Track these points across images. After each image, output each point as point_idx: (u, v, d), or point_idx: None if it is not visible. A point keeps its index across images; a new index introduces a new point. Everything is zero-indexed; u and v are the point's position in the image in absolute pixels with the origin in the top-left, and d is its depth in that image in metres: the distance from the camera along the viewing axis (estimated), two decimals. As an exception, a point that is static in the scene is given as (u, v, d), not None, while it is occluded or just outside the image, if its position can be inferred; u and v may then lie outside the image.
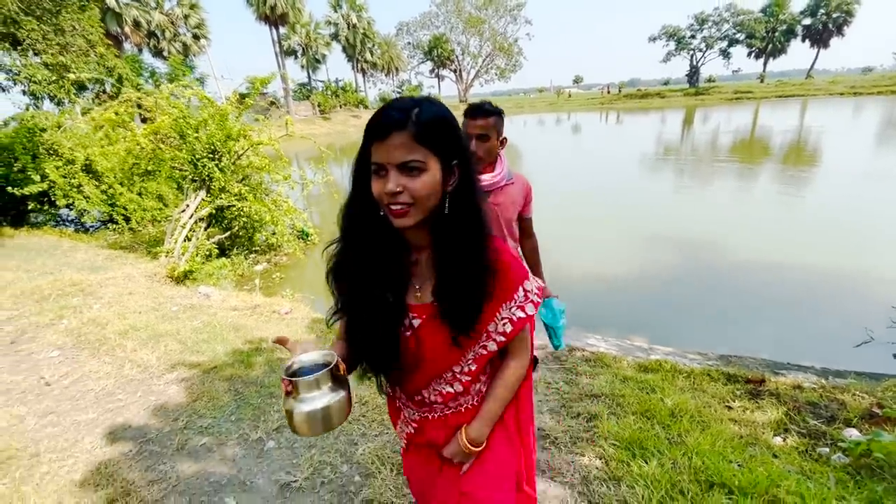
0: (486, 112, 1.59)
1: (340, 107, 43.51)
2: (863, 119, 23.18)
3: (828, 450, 2.01)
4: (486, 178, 1.63)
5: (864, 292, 4.69)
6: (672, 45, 51.13)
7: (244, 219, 6.53)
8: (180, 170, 6.39)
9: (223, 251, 6.59)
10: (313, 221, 8.44)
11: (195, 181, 6.15)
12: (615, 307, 4.65)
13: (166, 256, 5.47)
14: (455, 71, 54.11)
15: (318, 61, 42.87)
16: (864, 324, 3.96)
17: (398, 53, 49.08)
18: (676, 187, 10.77)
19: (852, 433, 2.07)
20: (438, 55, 51.11)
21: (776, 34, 48.08)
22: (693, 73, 52.44)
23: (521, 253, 1.87)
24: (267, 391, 2.65)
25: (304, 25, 39.02)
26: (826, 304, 4.58)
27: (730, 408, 2.42)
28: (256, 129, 6.61)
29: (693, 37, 50.13)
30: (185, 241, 5.74)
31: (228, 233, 6.71)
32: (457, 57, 52.70)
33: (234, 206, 6.22)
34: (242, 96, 6.92)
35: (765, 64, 51.36)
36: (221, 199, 6.07)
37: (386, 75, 50.12)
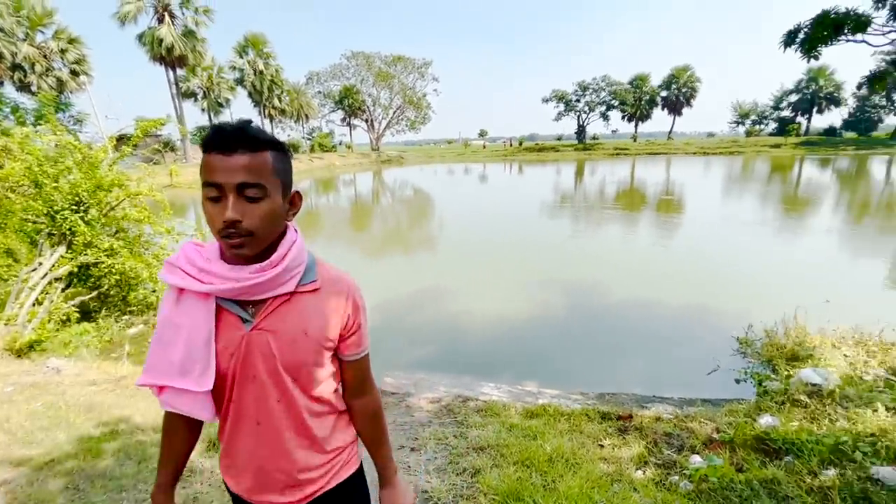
0: (253, 140, 0.79)
1: (246, 152, 41.71)
2: (711, 174, 27.90)
3: (677, 478, 2.24)
4: (249, 274, 0.82)
5: (715, 324, 5.46)
6: (562, 106, 57.82)
7: (117, 276, 5.80)
8: (34, 222, 5.57)
9: (88, 314, 5.75)
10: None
11: (52, 235, 5.38)
12: (510, 352, 4.86)
13: (6, 325, 4.61)
14: (367, 121, 55.26)
15: (221, 105, 41.13)
16: (714, 353, 4.60)
17: (308, 101, 49.02)
18: (573, 232, 11.83)
19: (696, 460, 2.34)
20: (349, 105, 52.00)
21: (642, 102, 56.87)
22: (580, 132, 59.52)
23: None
24: (116, 484, 2.28)
25: (207, 69, 37.56)
26: (686, 337, 5.24)
27: (602, 446, 2.61)
28: (136, 177, 6.06)
29: (578, 100, 57.30)
30: (34, 304, 4.92)
31: (96, 292, 5.90)
32: (368, 107, 54.04)
33: (103, 262, 5.52)
34: (123, 139, 6.35)
35: (636, 126, 60.12)
36: (87, 255, 5.36)
37: (295, 122, 49.54)
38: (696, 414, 2.95)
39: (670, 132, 62.52)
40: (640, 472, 2.34)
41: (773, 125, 57.93)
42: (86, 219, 5.40)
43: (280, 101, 44.77)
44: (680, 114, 58.54)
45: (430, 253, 10.20)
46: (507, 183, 28.32)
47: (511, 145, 62.78)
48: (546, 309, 6.10)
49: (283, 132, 52.79)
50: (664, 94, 57.56)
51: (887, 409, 2.65)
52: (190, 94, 39.04)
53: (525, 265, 8.42)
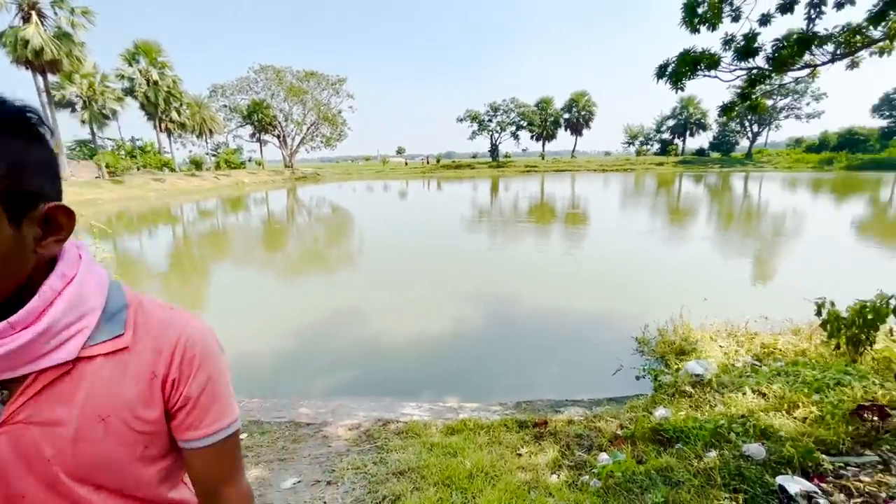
0: None
1: (138, 169, 37.79)
2: (610, 189, 30.81)
3: (588, 477, 2.36)
4: None
5: (618, 326, 5.93)
6: (475, 125, 60.48)
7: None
8: None
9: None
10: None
11: None
12: (431, 369, 4.84)
13: None
14: (279, 136, 52.97)
15: (106, 117, 36.75)
16: (618, 354, 4.99)
17: (212, 115, 45.75)
18: (490, 245, 12.24)
19: (603, 458, 2.49)
20: (259, 120, 49.51)
21: (547, 123, 61.51)
22: (493, 150, 62.66)
23: None
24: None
25: (87, 76, 33.43)
26: (594, 340, 5.63)
27: (519, 455, 2.67)
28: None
29: (490, 120, 60.36)
30: None
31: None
32: (280, 123, 51.88)
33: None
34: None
35: (543, 145, 64.75)
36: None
37: (198, 137, 45.90)
38: (603, 413, 3.16)
39: (573, 151, 68.25)
40: (554, 476, 2.43)
41: (657, 146, 65.74)
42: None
43: (179, 114, 41.26)
44: (581, 134, 64.21)
45: (350, 272, 9.93)
46: (427, 199, 28.71)
47: (428, 162, 64.02)
48: (466, 323, 6.20)
49: (184, 147, 48.76)
50: (566, 116, 62.85)
51: (753, 391, 3.06)
52: (66, 104, 34.46)
53: (444, 280, 8.52)
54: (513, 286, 7.95)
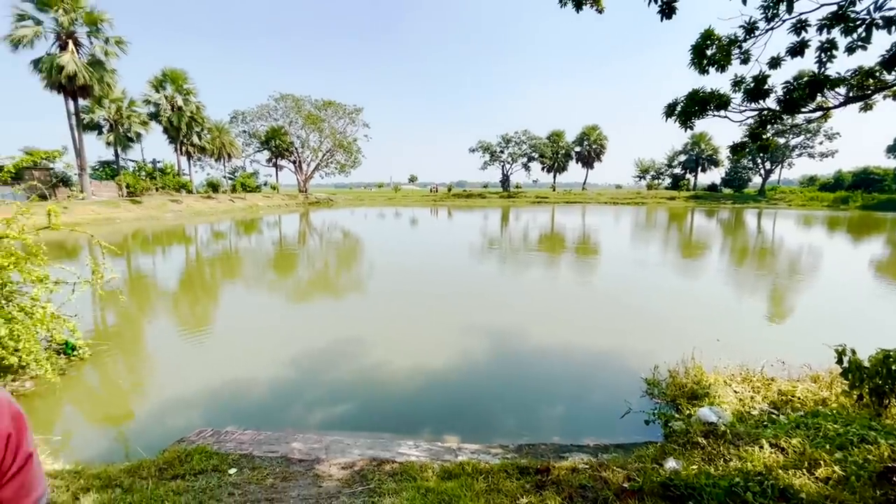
0: None
1: (157, 190, 38.85)
2: (622, 222, 30.69)
3: (591, 536, 2.19)
4: None
5: (626, 366, 5.73)
6: (487, 156, 61.44)
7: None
8: None
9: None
10: (97, 326, 6.85)
11: None
12: (431, 405, 4.68)
13: None
14: (294, 162, 54.26)
15: (130, 139, 38.12)
16: (626, 395, 4.79)
17: (231, 140, 47.19)
18: (500, 275, 12.12)
19: (608, 513, 2.33)
20: (276, 146, 50.90)
21: (559, 156, 62.22)
22: (505, 180, 63.33)
23: None
24: None
25: (116, 101, 34.91)
26: (601, 379, 5.43)
27: (519, 506, 2.51)
28: (1, 218, 5.27)
29: (502, 152, 61.31)
30: None
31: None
32: (296, 149, 53.26)
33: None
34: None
35: (554, 177, 65.25)
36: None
37: (216, 161, 47.21)
38: (610, 461, 2.98)
39: (584, 183, 68.63)
40: (555, 532, 2.26)
41: (668, 180, 65.80)
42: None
43: (200, 138, 42.68)
44: (592, 167, 64.77)
45: (354, 300, 9.86)
46: (438, 227, 28.84)
47: (437, 191, 64.91)
48: (470, 357, 6.05)
49: (203, 170, 50.18)
50: (577, 149, 63.63)
51: (770, 444, 2.87)
52: (94, 127, 35.82)
53: (450, 311, 8.40)
54: (520, 319, 7.80)
